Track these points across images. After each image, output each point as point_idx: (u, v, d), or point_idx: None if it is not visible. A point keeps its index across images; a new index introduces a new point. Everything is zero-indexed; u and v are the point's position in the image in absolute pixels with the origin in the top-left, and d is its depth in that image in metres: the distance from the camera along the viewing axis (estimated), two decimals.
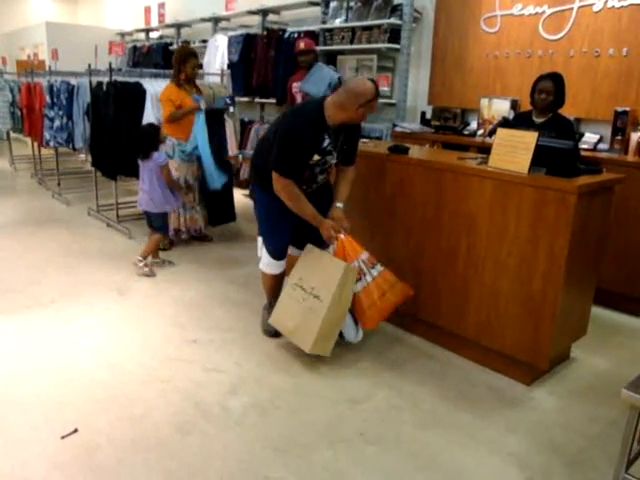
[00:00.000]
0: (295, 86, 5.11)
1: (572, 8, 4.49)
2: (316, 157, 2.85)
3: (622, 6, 4.20)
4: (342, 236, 2.96)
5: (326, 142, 2.84)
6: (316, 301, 2.85)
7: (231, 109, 5.05)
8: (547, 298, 2.66)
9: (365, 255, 2.99)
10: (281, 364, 2.96)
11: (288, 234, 3.17)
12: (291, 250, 3.29)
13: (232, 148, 5.22)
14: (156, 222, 4.33)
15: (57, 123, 6.51)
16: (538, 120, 3.72)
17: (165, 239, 4.65)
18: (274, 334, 3.20)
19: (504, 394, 2.76)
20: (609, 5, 4.27)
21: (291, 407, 2.56)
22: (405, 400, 2.66)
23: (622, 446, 1.71)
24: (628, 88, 4.24)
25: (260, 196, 3.13)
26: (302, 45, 5.03)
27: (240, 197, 6.68)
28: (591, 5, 4.37)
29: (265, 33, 7.07)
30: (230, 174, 5.05)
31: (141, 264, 4.21)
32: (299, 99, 5.05)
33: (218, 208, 5.19)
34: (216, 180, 4.66)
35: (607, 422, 2.55)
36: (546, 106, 3.67)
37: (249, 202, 6.34)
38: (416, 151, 3.56)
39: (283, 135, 2.81)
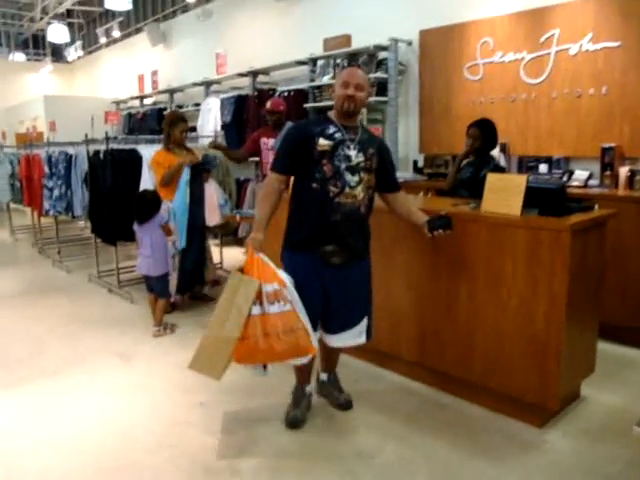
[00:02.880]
0: (265, 142, 5.16)
1: (550, 53, 4.65)
2: (323, 142, 2.57)
3: (596, 49, 4.37)
4: (260, 255, 2.56)
5: (332, 129, 2.61)
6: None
7: (217, 160, 5.07)
8: (551, 337, 2.65)
9: (275, 287, 2.51)
10: None
11: (317, 303, 2.67)
12: (323, 336, 2.85)
13: (212, 214, 5.06)
14: (157, 286, 4.34)
15: (56, 192, 6.61)
16: (464, 162, 4.03)
17: (168, 302, 4.66)
18: (296, 424, 2.84)
19: (517, 439, 2.72)
20: (584, 49, 4.43)
21: (302, 467, 2.52)
22: (417, 452, 2.62)
23: None
24: (611, 125, 4.35)
25: (283, 257, 2.79)
26: (269, 105, 5.14)
27: (239, 254, 6.72)
28: (567, 49, 4.54)
29: (256, 93, 7.28)
30: (199, 241, 4.90)
31: (161, 331, 4.26)
32: (270, 156, 5.08)
33: (187, 276, 4.85)
34: (180, 240, 4.57)
35: (625, 461, 2.50)
36: (472, 151, 3.94)
37: None
38: (411, 200, 3.62)
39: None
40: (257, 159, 5.52)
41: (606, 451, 2.59)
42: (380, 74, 5.74)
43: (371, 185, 2.69)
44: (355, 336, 2.84)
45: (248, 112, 7.27)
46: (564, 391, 2.78)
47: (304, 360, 2.61)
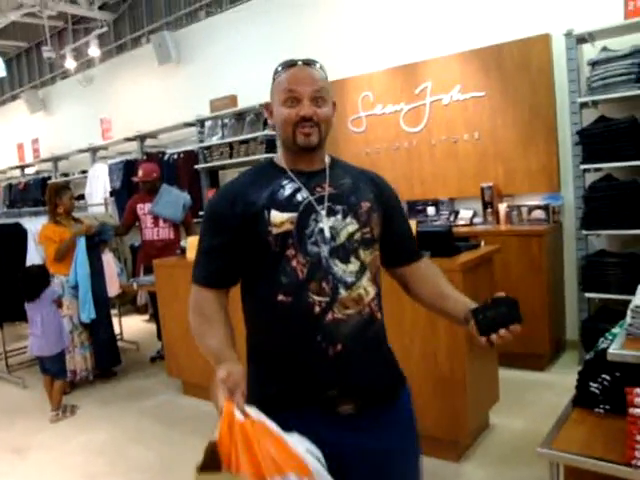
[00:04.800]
0: (141, 207, 5.07)
1: (425, 104, 5.00)
2: (279, 217, 1.43)
3: (465, 98, 4.76)
4: (251, 414, 1.22)
5: (288, 187, 1.48)
6: None
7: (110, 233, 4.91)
8: (455, 375, 2.76)
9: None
10: None
11: None
12: None
13: (112, 284, 4.95)
14: (53, 366, 4.04)
15: None
16: None
17: (65, 383, 4.35)
18: None
19: (437, 475, 2.76)
20: (455, 99, 4.82)
21: None
22: None
23: None
24: (487, 166, 4.71)
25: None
26: (141, 174, 5.09)
27: (139, 322, 6.47)
28: (440, 99, 4.90)
29: (145, 157, 7.18)
30: (106, 313, 4.77)
31: (59, 415, 3.95)
32: (149, 221, 5.05)
33: (103, 350, 4.73)
34: (87, 311, 4.40)
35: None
36: None
37: (149, 326, 6.16)
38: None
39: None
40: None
41: (518, 475, 2.70)
42: (268, 131, 5.87)
43: (378, 265, 1.59)
44: None
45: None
46: (474, 424, 2.88)
47: None
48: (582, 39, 3.94)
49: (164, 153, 7.03)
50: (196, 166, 6.57)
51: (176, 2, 7.76)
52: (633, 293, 2.58)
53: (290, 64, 1.52)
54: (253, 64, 6.32)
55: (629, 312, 1.87)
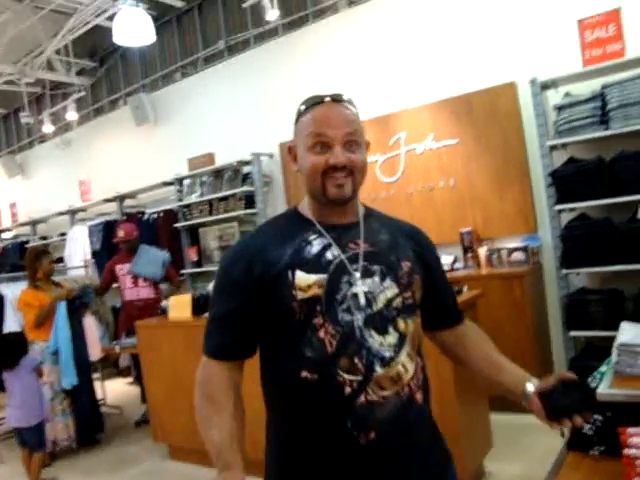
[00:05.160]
0: (120, 268, 5.06)
1: (400, 153, 5.11)
2: (306, 278, 1.22)
3: (439, 147, 4.88)
4: None
5: (315, 243, 1.27)
6: None
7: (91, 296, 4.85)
8: (447, 424, 2.70)
9: None
10: None
11: None
12: None
13: (94, 348, 4.84)
14: (31, 438, 3.86)
15: None
16: None
17: (45, 455, 4.18)
18: None
19: None
20: (428, 147, 4.94)
21: None
22: None
23: None
24: (465, 211, 4.79)
25: None
26: (122, 234, 5.10)
27: (123, 386, 6.31)
28: (414, 149, 5.02)
29: (125, 218, 7.17)
30: (88, 378, 4.68)
31: None
32: (129, 281, 5.03)
33: (85, 417, 4.56)
34: (69, 377, 4.30)
35: None
36: None
37: (133, 389, 6.00)
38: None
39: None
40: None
41: None
42: (247, 187, 5.94)
43: (420, 334, 1.41)
44: None
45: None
46: (469, 473, 2.82)
47: None
48: (546, 86, 4.11)
49: (143, 213, 7.02)
50: (176, 225, 6.57)
51: (152, 65, 7.93)
52: (617, 329, 2.60)
53: (316, 101, 1.31)
54: (229, 122, 6.44)
55: (614, 350, 1.88)
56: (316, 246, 1.26)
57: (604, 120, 3.78)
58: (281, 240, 1.28)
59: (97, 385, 5.31)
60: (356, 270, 1.25)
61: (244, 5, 6.02)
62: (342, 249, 1.27)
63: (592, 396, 1.30)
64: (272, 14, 5.72)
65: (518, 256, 4.40)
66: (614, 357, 1.87)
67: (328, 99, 1.30)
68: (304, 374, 1.20)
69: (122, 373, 6.68)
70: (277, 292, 1.22)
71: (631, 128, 3.63)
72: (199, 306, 3.97)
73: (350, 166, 1.27)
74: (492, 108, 4.58)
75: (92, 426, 4.60)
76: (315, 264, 1.24)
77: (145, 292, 5.00)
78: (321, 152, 1.27)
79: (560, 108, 3.97)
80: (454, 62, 4.83)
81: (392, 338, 1.24)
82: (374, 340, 1.21)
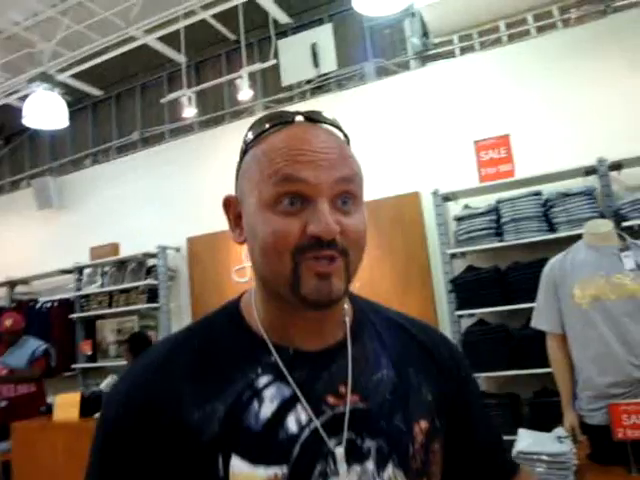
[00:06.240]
0: None
1: None
2: (250, 475, 0.67)
3: None
4: None
5: (272, 400, 0.71)
6: None
7: None
8: None
9: None
10: None
11: None
12: None
13: None
14: None
15: None
16: None
17: None
18: None
19: None
20: None
21: None
22: None
23: None
24: None
25: None
26: (9, 324, 4.78)
27: None
28: None
29: (14, 305, 6.66)
30: None
31: None
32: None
33: None
34: None
35: None
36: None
37: None
38: None
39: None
40: None
41: None
42: (150, 280, 5.74)
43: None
44: None
45: None
46: None
47: None
48: (447, 197, 4.37)
49: (36, 301, 6.56)
50: (71, 315, 6.16)
51: (62, 149, 7.74)
52: (515, 434, 2.63)
53: (285, 120, 0.78)
54: (137, 213, 6.29)
55: (513, 456, 1.88)
56: (268, 403, 0.71)
57: (499, 232, 4.06)
58: (205, 378, 0.72)
59: None
60: (338, 445, 0.70)
61: (162, 100, 6.11)
62: (314, 406, 0.72)
63: None
64: (189, 111, 5.84)
65: None
66: None
67: (300, 118, 0.78)
68: None
69: None
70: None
71: (522, 240, 3.91)
72: (88, 406, 3.66)
73: (344, 241, 0.72)
74: (397, 215, 4.77)
75: None
76: (265, 444, 0.68)
77: (23, 387, 4.57)
78: (292, 212, 0.71)
79: (460, 219, 4.23)
80: (363, 170, 5.05)
81: None
82: None
